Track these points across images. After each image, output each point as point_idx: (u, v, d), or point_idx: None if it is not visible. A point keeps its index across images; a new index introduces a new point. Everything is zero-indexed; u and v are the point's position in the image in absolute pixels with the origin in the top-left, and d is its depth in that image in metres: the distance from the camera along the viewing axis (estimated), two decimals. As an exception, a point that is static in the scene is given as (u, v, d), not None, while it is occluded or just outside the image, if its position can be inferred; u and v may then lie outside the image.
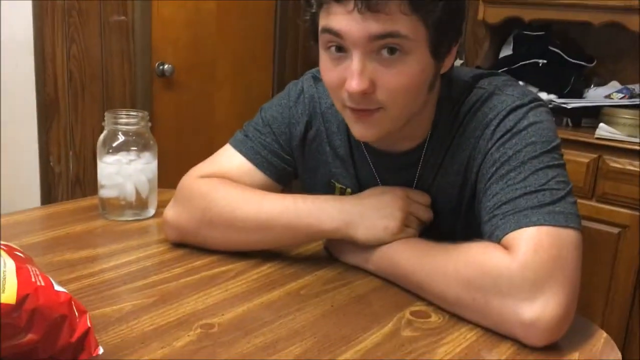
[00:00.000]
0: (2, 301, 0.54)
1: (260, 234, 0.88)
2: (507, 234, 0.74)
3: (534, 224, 0.72)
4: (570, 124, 2.05)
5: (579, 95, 2.16)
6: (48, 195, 2.11)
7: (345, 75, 0.75)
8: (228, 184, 0.91)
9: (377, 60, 0.74)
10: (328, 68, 0.78)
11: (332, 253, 0.92)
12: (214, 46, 2.50)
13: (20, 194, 2.09)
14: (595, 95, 2.17)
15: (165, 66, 2.34)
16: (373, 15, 0.71)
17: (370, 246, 0.85)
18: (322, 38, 0.77)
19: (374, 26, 0.71)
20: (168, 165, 1.34)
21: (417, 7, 0.72)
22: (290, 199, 0.87)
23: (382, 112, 0.77)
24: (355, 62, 0.74)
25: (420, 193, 0.88)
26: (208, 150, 1.02)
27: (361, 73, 0.74)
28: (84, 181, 2.19)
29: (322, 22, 0.76)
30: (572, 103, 2.04)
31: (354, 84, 0.74)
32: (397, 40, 0.72)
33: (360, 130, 0.80)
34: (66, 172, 2.15)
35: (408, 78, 0.75)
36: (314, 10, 0.77)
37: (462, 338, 0.72)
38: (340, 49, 0.75)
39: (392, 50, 0.73)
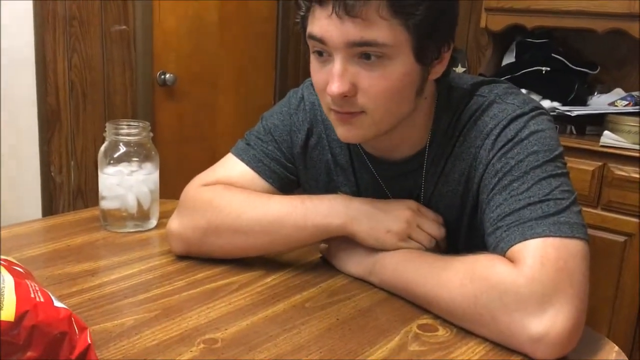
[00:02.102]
0: (1, 318, 0.53)
1: (268, 236, 0.86)
2: (512, 246, 0.72)
3: (539, 236, 0.71)
4: (574, 132, 2.04)
5: (583, 102, 2.15)
6: (49, 206, 2.11)
7: (328, 78, 0.75)
8: (232, 190, 0.90)
9: (359, 63, 0.74)
10: (315, 70, 0.79)
11: (334, 264, 0.91)
12: (215, 55, 2.50)
13: (21, 205, 2.08)
14: (599, 103, 2.17)
15: (167, 75, 2.34)
16: (351, 20, 0.71)
17: (372, 257, 0.84)
18: (310, 43, 0.77)
19: (352, 32, 0.71)
20: (170, 175, 1.33)
21: (397, 11, 0.71)
22: (297, 199, 0.86)
23: (364, 115, 0.77)
24: (336, 65, 0.74)
25: (433, 212, 0.87)
26: (210, 159, 1.01)
27: (341, 76, 0.74)
28: (86, 191, 2.18)
29: (309, 27, 0.76)
30: (576, 110, 2.03)
31: (334, 87, 0.74)
32: (375, 48, 0.72)
33: (343, 132, 0.80)
34: (67, 183, 2.14)
35: (389, 82, 0.74)
36: (303, 14, 0.78)
37: (471, 352, 0.70)
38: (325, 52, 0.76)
39: (372, 57, 0.73)
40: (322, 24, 0.73)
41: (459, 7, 0.80)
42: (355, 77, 0.74)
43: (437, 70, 0.80)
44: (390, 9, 0.71)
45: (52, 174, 2.11)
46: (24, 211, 2.05)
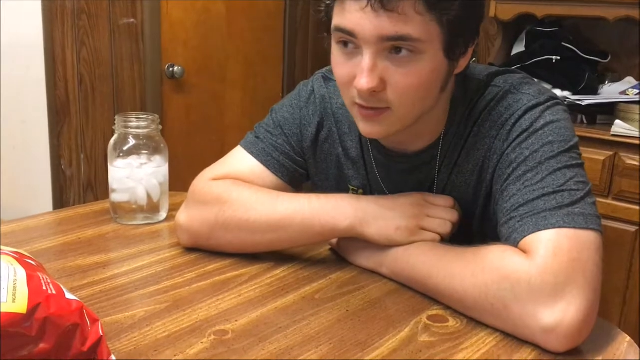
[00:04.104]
0: (13, 310, 0.53)
1: (275, 234, 0.86)
2: (525, 237, 0.72)
3: (553, 227, 0.71)
4: (585, 121, 2.03)
5: (594, 91, 2.13)
6: (60, 199, 2.12)
7: (355, 72, 0.74)
8: (241, 186, 0.90)
9: (389, 59, 0.73)
10: (339, 63, 0.77)
11: (344, 256, 0.91)
12: (223, 47, 2.50)
13: (32, 198, 2.10)
14: (610, 92, 2.15)
15: (175, 68, 2.34)
16: (386, 14, 0.70)
17: (384, 249, 0.84)
18: (335, 35, 0.76)
19: (387, 26, 0.70)
20: (179, 168, 1.34)
21: (432, 7, 0.70)
22: (304, 198, 0.86)
23: (390, 111, 0.76)
24: (366, 59, 0.73)
25: (441, 196, 0.86)
26: (219, 152, 1.01)
27: (371, 71, 0.72)
28: (96, 184, 2.19)
29: (336, 19, 0.75)
30: (587, 100, 2.01)
31: (364, 82, 0.72)
32: (408, 43, 0.71)
33: (366, 128, 0.79)
34: (78, 176, 2.15)
35: (419, 78, 0.74)
36: (328, 2, 0.76)
37: (482, 343, 0.70)
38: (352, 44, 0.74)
39: (403, 51, 0.72)
40: (354, 17, 0.72)
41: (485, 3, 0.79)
42: (384, 72, 0.73)
43: (462, 65, 0.79)
44: (427, 4, 0.70)
45: (63, 167, 2.12)
46: (35, 204, 2.07)
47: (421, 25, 0.71)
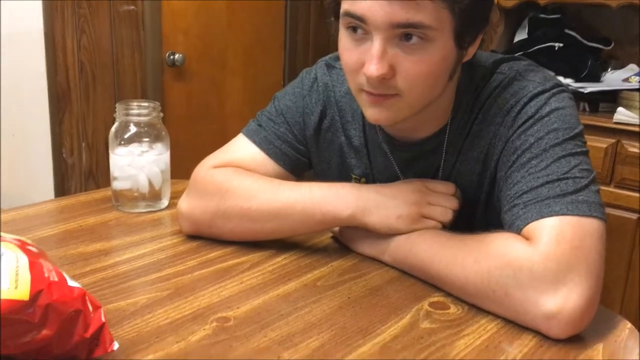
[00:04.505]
0: (16, 297, 0.53)
1: (276, 222, 0.86)
2: (528, 224, 0.72)
3: (556, 214, 0.70)
4: (587, 109, 2.02)
5: (596, 79, 2.13)
6: (62, 187, 2.12)
7: (364, 58, 0.73)
8: (242, 174, 0.90)
9: (399, 45, 0.72)
10: (347, 48, 0.76)
11: (346, 244, 0.91)
12: (224, 35, 2.49)
13: (34, 186, 2.10)
14: (612, 79, 2.14)
15: (176, 56, 2.33)
16: (398, 0, 0.69)
17: (386, 237, 0.84)
18: (344, 20, 0.75)
19: (399, 13, 0.69)
20: (180, 156, 1.33)
21: None
22: (305, 187, 0.85)
23: (398, 98, 0.75)
24: (376, 46, 0.72)
25: (442, 183, 0.85)
26: (220, 139, 1.01)
27: (381, 58, 0.72)
28: (97, 173, 2.19)
29: (345, 4, 0.74)
30: (590, 87, 2.00)
31: (373, 68, 0.72)
32: (419, 30, 0.71)
33: (373, 114, 0.78)
34: (79, 164, 2.15)
35: (428, 66, 0.73)
36: None
37: (483, 330, 0.70)
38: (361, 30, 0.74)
39: (414, 38, 0.71)
40: (365, 3, 0.71)
41: None
42: (393, 59, 0.72)
43: (470, 53, 0.79)
44: None
45: (64, 155, 2.12)
46: (37, 193, 2.07)
47: (433, 13, 0.70)
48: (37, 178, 2.11)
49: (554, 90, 0.79)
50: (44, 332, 0.55)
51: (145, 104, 1.03)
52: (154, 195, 1.05)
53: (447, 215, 0.82)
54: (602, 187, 1.81)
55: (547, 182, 0.73)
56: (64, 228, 0.98)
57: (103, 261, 0.85)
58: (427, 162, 0.88)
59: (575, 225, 0.70)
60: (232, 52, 2.54)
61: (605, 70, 2.19)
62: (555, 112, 0.77)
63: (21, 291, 0.54)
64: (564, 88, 0.81)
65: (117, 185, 1.04)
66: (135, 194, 1.04)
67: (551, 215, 0.70)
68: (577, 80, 2.08)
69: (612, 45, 2.19)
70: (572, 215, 0.70)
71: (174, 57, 2.33)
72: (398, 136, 0.88)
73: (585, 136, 0.79)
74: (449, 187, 0.85)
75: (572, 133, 0.76)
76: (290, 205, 0.85)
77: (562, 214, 0.70)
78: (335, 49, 0.82)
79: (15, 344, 0.54)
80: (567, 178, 0.73)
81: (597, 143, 1.85)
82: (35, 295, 0.54)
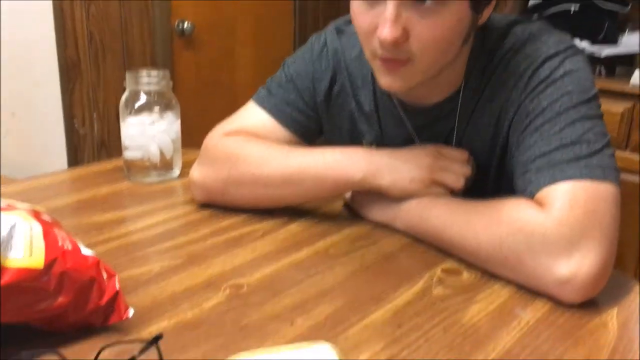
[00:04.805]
0: (30, 265, 0.54)
1: (288, 188, 0.86)
2: (541, 189, 0.71)
3: (570, 179, 0.70)
4: (603, 73, 1.98)
5: (613, 42, 2.08)
6: (74, 158, 2.13)
7: (377, 22, 0.72)
8: (253, 141, 0.90)
9: (413, 8, 0.70)
10: (360, 12, 0.75)
11: (358, 211, 0.91)
12: (234, 3, 2.45)
13: (47, 158, 2.11)
14: (630, 42, 2.09)
15: (185, 24, 2.31)
16: None
17: (398, 203, 0.83)
18: None
19: None
20: (191, 125, 1.33)
21: None
22: (317, 152, 0.85)
23: (411, 64, 0.74)
24: (389, 9, 0.70)
25: (456, 150, 0.85)
26: (231, 108, 1.00)
27: (395, 21, 0.70)
28: (109, 143, 2.20)
29: None
30: (606, 50, 1.96)
31: (387, 32, 0.70)
32: None
33: (387, 81, 0.77)
34: (91, 134, 2.16)
35: (442, 30, 0.71)
36: None
37: (496, 295, 0.70)
38: None
39: (428, 0, 0.70)
40: None
41: None
42: (407, 22, 0.71)
43: (485, 16, 0.77)
44: None
45: (76, 126, 2.12)
46: (50, 164, 2.08)
47: None
48: (50, 149, 2.12)
49: (568, 52, 0.77)
50: (60, 299, 0.55)
51: (155, 73, 1.03)
52: (166, 165, 1.05)
53: (460, 181, 0.82)
54: (618, 153, 1.79)
55: (561, 146, 0.72)
56: (77, 198, 0.98)
57: (116, 230, 0.85)
58: (439, 128, 0.87)
59: (589, 189, 0.69)
60: (242, 20, 2.51)
61: (622, 32, 2.14)
62: (570, 74, 0.75)
63: (36, 260, 0.54)
64: (579, 50, 0.79)
65: (128, 155, 1.05)
66: (147, 163, 1.04)
67: (564, 180, 0.69)
68: (593, 43, 2.04)
69: (630, 7, 2.14)
70: (586, 179, 0.69)
71: (183, 26, 2.31)
72: (410, 101, 0.87)
73: (601, 100, 0.78)
74: (462, 154, 0.84)
75: (587, 96, 0.75)
76: (303, 171, 0.84)
77: (576, 179, 0.69)
78: (346, 15, 0.80)
79: (32, 311, 0.55)
80: (581, 142, 0.71)
81: (613, 107, 1.82)
82: (49, 264, 0.55)
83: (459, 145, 0.86)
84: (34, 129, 2.09)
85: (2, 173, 1.89)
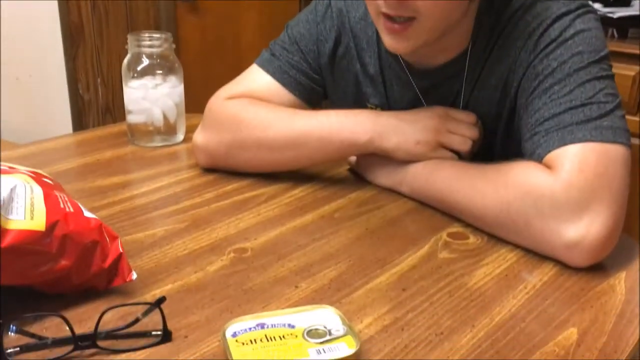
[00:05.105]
0: (32, 228, 0.53)
1: (293, 151, 0.85)
2: (549, 152, 0.69)
3: (580, 141, 0.68)
4: (616, 35, 1.94)
5: (626, 3, 2.03)
6: (79, 124, 2.13)
7: None
8: (257, 104, 0.88)
9: None
10: None
11: (363, 175, 0.90)
12: (238, -35, 2.41)
13: (52, 124, 2.11)
14: (643, 4, 2.04)
15: (189, -13, 2.27)
16: None
17: (403, 167, 0.82)
18: None
19: None
20: (195, 90, 1.32)
21: None
22: (322, 114, 0.84)
23: (417, 23, 0.72)
24: None
25: (464, 112, 0.83)
26: (236, 73, 0.99)
27: None
28: (114, 108, 2.19)
29: None
30: (619, 12, 1.91)
31: None
32: None
33: (392, 42, 0.75)
34: (96, 100, 2.15)
35: None
36: None
37: (502, 259, 0.69)
38: None
39: None
40: None
41: None
42: None
43: None
44: None
45: (80, 92, 2.11)
46: (55, 130, 2.08)
47: None
48: (55, 115, 2.11)
49: (579, 11, 0.75)
50: (62, 262, 0.55)
51: (157, 35, 1.01)
52: (169, 129, 1.04)
53: (467, 144, 0.80)
54: (629, 117, 1.76)
55: (570, 108, 0.70)
56: (81, 162, 0.98)
57: (120, 194, 0.85)
58: (445, 90, 0.85)
59: (599, 151, 0.67)
60: (247, -18, 2.46)
61: (636, -6, 2.09)
62: (580, 34, 0.73)
63: (37, 222, 0.54)
64: (590, 8, 0.77)
65: (131, 119, 1.03)
66: (150, 127, 1.03)
67: (574, 143, 0.68)
68: (606, 5, 1.99)
69: (645, -33, 2.08)
70: (596, 141, 0.68)
71: (186, -11, 2.27)
72: (415, 63, 0.85)
73: (613, 64, 0.76)
74: (470, 117, 0.82)
75: (598, 56, 0.73)
76: (308, 133, 0.83)
77: (586, 141, 0.68)
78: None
79: (34, 274, 0.54)
80: (591, 103, 0.70)
81: (625, 71, 1.79)
82: (51, 226, 0.54)
83: (466, 108, 0.85)
84: (38, 95, 2.08)
85: (8, 140, 1.88)
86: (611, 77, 0.74)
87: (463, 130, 0.81)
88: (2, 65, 1.97)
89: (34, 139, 1.08)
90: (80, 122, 2.12)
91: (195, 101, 1.19)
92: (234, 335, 0.51)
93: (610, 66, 0.75)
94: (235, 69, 1.00)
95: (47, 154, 1.00)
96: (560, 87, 0.72)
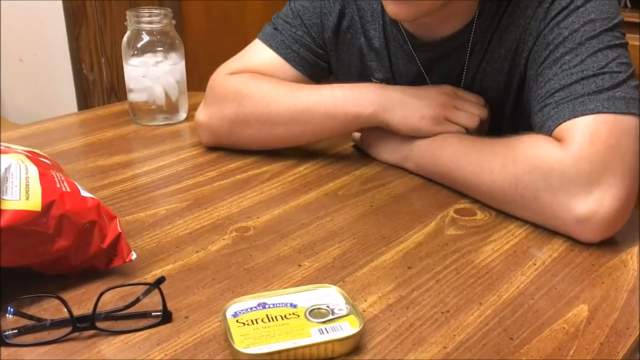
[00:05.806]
0: (28, 208, 0.52)
1: (297, 126, 0.83)
2: (560, 124, 0.67)
3: (591, 112, 0.66)
4: (629, 5, 1.89)
5: (640, -28, 1.97)
6: (84, 104, 2.12)
7: None
8: (260, 79, 0.86)
9: None
10: None
11: (368, 152, 0.88)
12: (241, -61, 2.36)
13: (57, 104, 2.10)
14: (657, -28, 1.98)
15: (192, -36, 2.23)
16: None
17: (409, 143, 0.81)
18: None
19: None
20: (199, 68, 1.30)
21: None
22: (327, 88, 0.82)
23: None
24: None
25: (472, 94, 0.81)
26: (240, 50, 0.96)
27: None
28: (119, 88, 2.17)
29: None
30: (632, -18, 1.86)
31: None
32: None
33: (394, 8, 0.73)
34: (100, 80, 2.13)
35: None
36: None
37: (511, 235, 0.68)
38: None
39: None
40: None
41: None
42: None
43: None
44: None
45: (84, 71, 2.10)
46: (60, 110, 2.07)
47: None
48: (60, 95, 2.10)
49: None
50: (60, 242, 0.54)
51: (157, 11, 0.99)
52: (172, 107, 1.02)
53: (474, 120, 0.78)
54: (641, 90, 1.73)
55: (582, 79, 0.67)
56: (83, 142, 0.97)
57: (122, 174, 0.84)
58: (451, 62, 0.82)
59: (612, 123, 0.65)
60: (251, -42, 2.42)
61: (650, -37, 2.03)
62: (592, 1, 0.70)
63: (33, 202, 0.53)
64: None
65: (133, 97, 1.02)
66: (152, 106, 1.01)
67: (585, 114, 0.66)
68: (618, -25, 1.94)
69: None
70: (608, 112, 0.65)
71: (190, -34, 2.23)
72: (420, 34, 0.82)
73: (627, 34, 0.73)
74: (478, 98, 0.81)
75: (610, 24, 0.70)
76: (312, 108, 0.81)
77: (598, 112, 0.65)
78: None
79: (31, 255, 0.53)
80: (603, 73, 0.67)
81: (638, 42, 1.75)
82: (47, 206, 0.53)
83: (472, 81, 0.82)
84: (43, 76, 2.07)
85: (15, 122, 1.88)
86: (624, 45, 0.71)
87: (470, 107, 0.79)
88: (4, 47, 1.96)
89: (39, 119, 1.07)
90: (85, 102, 2.11)
91: (200, 78, 1.16)
92: (235, 315, 0.50)
93: (624, 34, 0.72)
94: (240, 46, 0.97)
95: (48, 134, 0.99)
96: (571, 56, 0.69)
